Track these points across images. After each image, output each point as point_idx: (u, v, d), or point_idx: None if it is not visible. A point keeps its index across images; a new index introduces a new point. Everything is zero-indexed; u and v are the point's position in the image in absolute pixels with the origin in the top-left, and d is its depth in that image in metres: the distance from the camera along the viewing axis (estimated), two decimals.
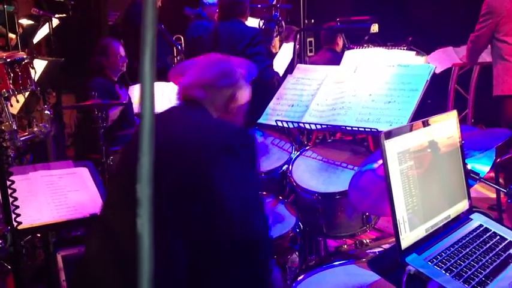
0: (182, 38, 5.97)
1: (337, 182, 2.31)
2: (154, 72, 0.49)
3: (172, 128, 1.70)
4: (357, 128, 2.43)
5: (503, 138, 1.99)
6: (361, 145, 2.55)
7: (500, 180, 3.37)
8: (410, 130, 1.59)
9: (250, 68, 2.76)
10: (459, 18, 5.40)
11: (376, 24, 3.16)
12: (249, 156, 1.67)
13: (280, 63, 4.27)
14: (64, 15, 5.02)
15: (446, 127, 1.74)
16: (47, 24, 4.68)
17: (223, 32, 3.36)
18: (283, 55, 4.35)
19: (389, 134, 1.50)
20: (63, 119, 4.54)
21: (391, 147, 1.50)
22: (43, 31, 4.95)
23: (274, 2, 3.37)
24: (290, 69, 3.56)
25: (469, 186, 1.79)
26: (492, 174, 2.88)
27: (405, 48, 4.78)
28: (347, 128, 2.47)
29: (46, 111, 2.91)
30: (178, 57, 5.87)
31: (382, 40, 5.25)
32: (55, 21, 4.80)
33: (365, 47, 4.89)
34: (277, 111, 2.73)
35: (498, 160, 2.83)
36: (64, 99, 4.61)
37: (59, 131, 4.07)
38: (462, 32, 5.10)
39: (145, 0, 0.47)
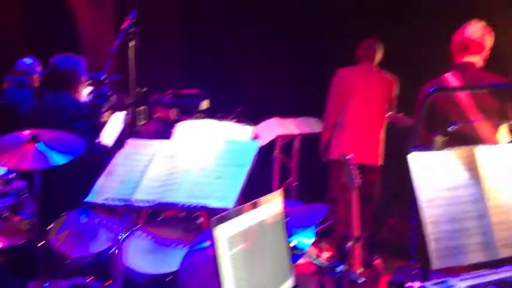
0: None
1: (170, 261, 2.26)
2: None
3: None
4: (188, 205, 2.42)
5: (323, 214, 2.16)
6: (193, 222, 2.54)
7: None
8: (240, 213, 1.64)
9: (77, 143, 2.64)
10: (284, 91, 5.88)
11: (207, 101, 3.25)
12: None
13: (110, 133, 4.15)
14: None
15: (272, 207, 1.82)
16: None
17: (48, 103, 3.18)
18: (113, 125, 4.24)
19: (220, 220, 1.52)
20: None
21: (222, 232, 1.52)
22: None
23: (103, 78, 3.28)
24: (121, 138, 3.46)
25: (292, 264, 1.87)
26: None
27: (234, 119, 4.98)
28: (178, 205, 2.45)
29: None
30: None
31: (212, 112, 5.43)
32: None
33: (196, 118, 4.99)
34: (106, 189, 2.61)
35: (318, 229, 3.04)
36: None
37: None
38: (286, 104, 5.55)
39: None
